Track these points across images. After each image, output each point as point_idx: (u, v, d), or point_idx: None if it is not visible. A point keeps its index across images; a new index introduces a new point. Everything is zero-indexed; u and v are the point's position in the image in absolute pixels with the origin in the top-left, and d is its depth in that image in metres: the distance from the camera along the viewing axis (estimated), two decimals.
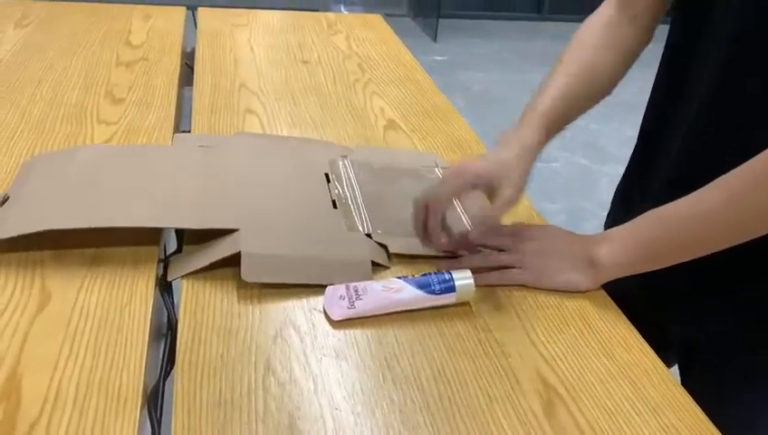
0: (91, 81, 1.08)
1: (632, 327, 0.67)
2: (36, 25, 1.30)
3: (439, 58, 4.11)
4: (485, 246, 0.74)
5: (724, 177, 0.61)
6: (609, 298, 0.71)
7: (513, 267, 0.71)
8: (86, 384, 0.53)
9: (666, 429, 0.55)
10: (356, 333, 0.62)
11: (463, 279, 0.66)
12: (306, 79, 1.21)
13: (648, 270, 0.68)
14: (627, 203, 0.86)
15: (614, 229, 0.70)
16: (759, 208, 0.60)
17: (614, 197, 0.91)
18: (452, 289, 0.65)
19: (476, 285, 0.66)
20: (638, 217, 0.68)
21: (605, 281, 0.70)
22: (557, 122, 0.76)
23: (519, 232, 0.74)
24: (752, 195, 0.59)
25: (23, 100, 0.99)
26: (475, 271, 0.67)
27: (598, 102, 0.80)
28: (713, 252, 0.63)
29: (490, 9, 5.13)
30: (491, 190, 0.72)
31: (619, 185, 0.90)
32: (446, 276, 0.66)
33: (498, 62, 4.30)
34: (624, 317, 0.68)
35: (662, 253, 0.66)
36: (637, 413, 0.56)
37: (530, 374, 0.59)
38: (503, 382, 0.58)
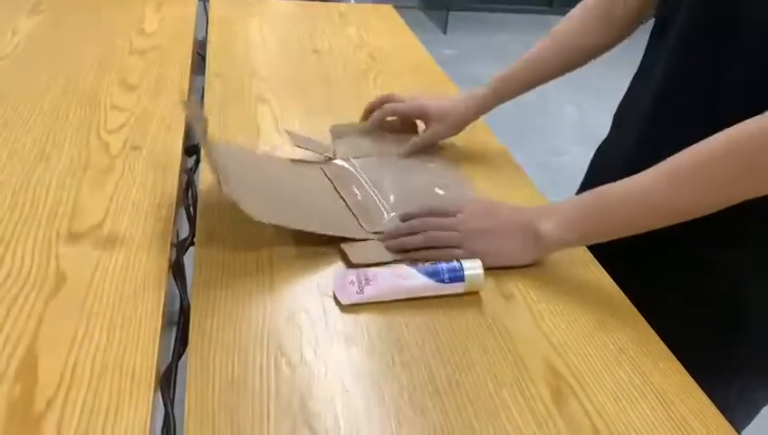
0: (105, 68, 1.09)
1: (640, 316, 0.67)
2: (49, 13, 1.31)
3: (448, 51, 4.09)
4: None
5: (667, 161, 0.63)
6: (617, 287, 0.71)
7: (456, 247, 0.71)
8: (101, 364, 0.54)
9: (671, 414, 0.56)
10: (366, 318, 0.63)
11: (472, 269, 0.66)
12: (317, 68, 1.21)
13: (593, 243, 0.72)
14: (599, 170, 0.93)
15: (560, 204, 0.71)
16: (697, 196, 0.63)
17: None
18: (461, 278, 0.66)
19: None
20: (586, 193, 0.69)
21: (549, 254, 0.72)
22: (513, 84, 0.93)
23: (463, 208, 0.74)
24: (691, 183, 0.62)
25: (37, 87, 1.00)
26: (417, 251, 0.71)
27: (563, 74, 0.92)
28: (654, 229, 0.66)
29: (500, 2, 5.11)
30: (426, 122, 0.94)
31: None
32: (456, 265, 0.66)
33: (508, 56, 4.21)
34: (632, 306, 0.69)
35: (605, 230, 0.68)
36: (644, 399, 0.57)
37: (538, 361, 0.60)
38: (511, 368, 0.59)
